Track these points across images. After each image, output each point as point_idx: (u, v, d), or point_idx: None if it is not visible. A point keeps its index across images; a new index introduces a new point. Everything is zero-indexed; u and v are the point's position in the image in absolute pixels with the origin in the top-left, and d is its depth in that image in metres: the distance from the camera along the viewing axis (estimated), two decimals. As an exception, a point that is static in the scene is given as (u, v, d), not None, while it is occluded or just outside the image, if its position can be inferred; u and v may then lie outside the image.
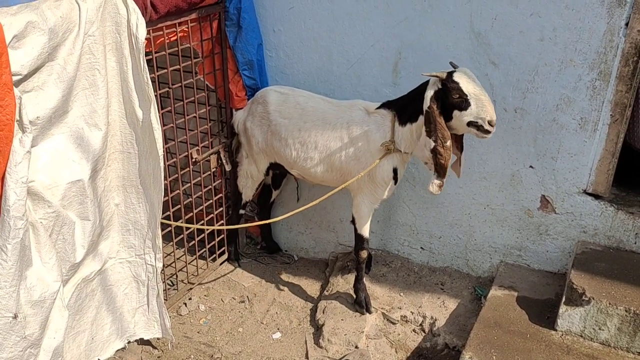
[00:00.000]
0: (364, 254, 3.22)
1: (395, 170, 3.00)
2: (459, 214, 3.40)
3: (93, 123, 2.39)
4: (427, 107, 2.63)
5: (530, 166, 3.12)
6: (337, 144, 3.06)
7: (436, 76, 2.61)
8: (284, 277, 3.74)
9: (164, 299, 3.23)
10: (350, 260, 3.65)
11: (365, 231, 3.18)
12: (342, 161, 3.06)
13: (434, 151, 2.65)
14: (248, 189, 3.60)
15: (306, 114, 3.13)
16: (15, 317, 2.04)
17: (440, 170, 2.69)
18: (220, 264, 3.81)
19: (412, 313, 3.27)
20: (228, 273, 3.76)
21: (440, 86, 2.61)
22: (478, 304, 3.23)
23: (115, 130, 2.56)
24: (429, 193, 2.77)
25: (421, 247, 3.58)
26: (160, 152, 2.55)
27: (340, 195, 3.26)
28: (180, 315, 3.38)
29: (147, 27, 2.54)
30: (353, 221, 3.21)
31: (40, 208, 2.20)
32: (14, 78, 2.01)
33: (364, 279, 3.31)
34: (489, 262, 3.43)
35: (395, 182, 3.05)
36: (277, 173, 3.58)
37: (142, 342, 3.07)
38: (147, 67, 2.45)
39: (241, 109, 3.45)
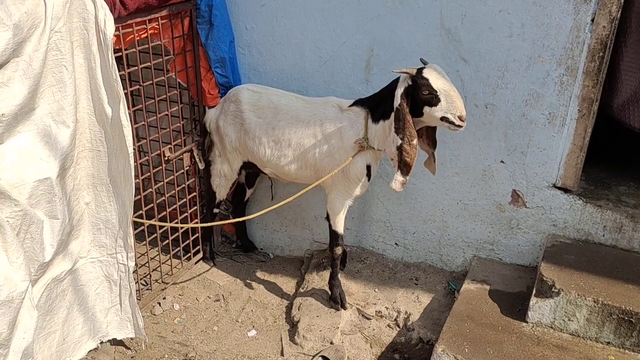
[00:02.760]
0: (338, 251, 3.23)
1: (368, 167, 3.01)
2: (432, 210, 3.43)
3: (61, 120, 2.35)
4: (397, 104, 2.65)
5: (501, 161, 3.16)
6: (310, 141, 3.06)
7: (406, 72, 2.63)
8: (260, 275, 3.73)
9: (138, 299, 3.20)
10: (325, 257, 3.66)
11: (339, 227, 3.18)
12: (316, 158, 3.07)
13: (400, 148, 2.67)
14: (222, 188, 3.58)
15: (279, 112, 3.13)
16: (-19, 317, 2.01)
17: (404, 168, 2.71)
18: (195, 263, 3.79)
19: (387, 308, 3.29)
20: (203, 272, 3.74)
21: (410, 83, 2.63)
22: (452, 298, 3.26)
23: (84, 128, 2.53)
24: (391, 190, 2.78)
25: (395, 243, 3.60)
26: (130, 149, 2.53)
27: (315, 192, 3.27)
28: (154, 314, 3.35)
29: (116, 23, 2.52)
30: (327, 218, 3.21)
31: (7, 207, 2.16)
32: (-22, 74, 1.98)
33: (339, 275, 3.32)
34: (462, 257, 3.46)
35: (369, 179, 3.06)
36: (251, 172, 3.57)
37: (115, 342, 3.04)
38: (115, 64, 2.43)
39: (214, 107, 3.43)
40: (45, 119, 2.32)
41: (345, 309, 3.28)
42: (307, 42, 3.31)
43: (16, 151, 2.23)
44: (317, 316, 3.23)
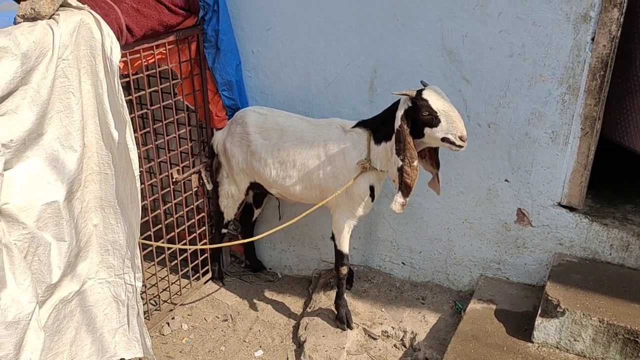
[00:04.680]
0: (344, 270, 3.24)
1: (372, 188, 3.03)
2: (438, 229, 3.43)
3: (68, 145, 2.42)
4: (397, 125, 2.68)
5: (506, 180, 3.16)
6: (315, 162, 3.10)
7: (405, 94, 2.66)
8: (268, 295, 3.76)
9: (147, 319, 3.25)
10: (333, 276, 3.67)
11: (344, 247, 3.20)
12: (320, 179, 3.10)
13: (401, 170, 2.69)
14: (229, 209, 3.63)
15: (285, 133, 3.17)
16: (-12, 338, 2.06)
17: (404, 190, 2.73)
18: (204, 283, 3.83)
19: (393, 328, 3.28)
20: (212, 292, 3.77)
21: (410, 104, 2.66)
22: (458, 318, 3.25)
23: (92, 152, 2.59)
24: (390, 210, 2.79)
25: (402, 263, 3.61)
26: (137, 172, 2.59)
27: (322, 212, 3.30)
28: (163, 335, 3.39)
29: (123, 49, 2.60)
30: (333, 237, 3.24)
31: (15, 230, 2.22)
32: (-11, 102, 2.06)
33: (346, 295, 3.33)
34: (469, 276, 3.46)
35: (372, 200, 3.08)
36: (258, 192, 3.62)
37: (123, 362, 3.07)
38: (122, 90, 2.50)
39: (221, 129, 3.49)
40: (53, 144, 2.39)
41: (351, 328, 3.28)
42: (312, 65, 3.37)
43: (25, 176, 2.29)
44: (324, 336, 3.24)
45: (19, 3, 2.50)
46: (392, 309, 3.41)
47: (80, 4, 2.44)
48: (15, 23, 2.34)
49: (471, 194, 3.27)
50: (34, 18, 2.31)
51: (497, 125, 3.07)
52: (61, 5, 2.40)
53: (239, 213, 3.75)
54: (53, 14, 2.36)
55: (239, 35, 3.44)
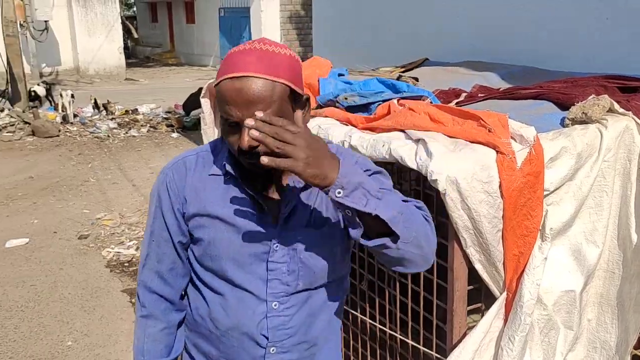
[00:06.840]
0: None
1: None
2: None
3: (592, 240, 2.54)
4: None
5: None
6: None
7: None
8: None
9: None
10: None
11: None
12: None
13: None
14: None
15: None
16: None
17: None
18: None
19: None
20: None
21: None
22: None
23: (604, 249, 2.66)
24: None
25: None
26: (651, 278, 2.54)
27: None
28: None
29: None
30: None
31: (537, 309, 2.43)
32: (544, 193, 2.34)
33: None
34: None
35: None
36: None
37: None
38: (653, 195, 2.51)
39: None
40: (578, 237, 2.54)
41: None
42: None
43: (551, 261, 2.50)
44: None
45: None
46: None
47: (624, 111, 2.58)
48: (563, 125, 2.61)
49: None
50: (583, 121, 2.54)
51: None
52: (607, 110, 2.57)
53: None
54: (600, 119, 2.54)
55: None
